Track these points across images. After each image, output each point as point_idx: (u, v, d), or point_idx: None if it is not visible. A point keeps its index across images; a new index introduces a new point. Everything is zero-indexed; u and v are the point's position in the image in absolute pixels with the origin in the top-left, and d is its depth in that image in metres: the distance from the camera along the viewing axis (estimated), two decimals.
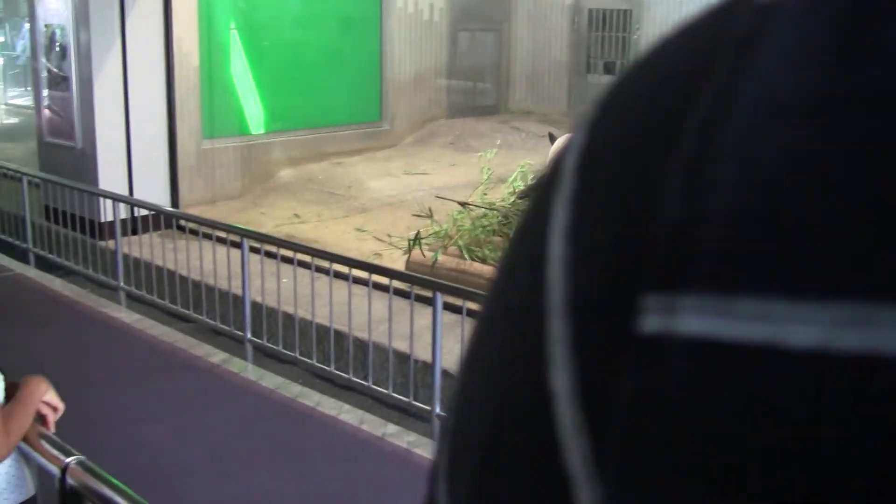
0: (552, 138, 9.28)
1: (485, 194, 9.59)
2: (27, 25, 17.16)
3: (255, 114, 12.63)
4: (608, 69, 16.10)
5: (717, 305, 0.27)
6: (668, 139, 0.31)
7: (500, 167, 10.25)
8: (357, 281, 7.04)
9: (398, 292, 6.93)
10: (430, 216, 9.24)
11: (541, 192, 0.37)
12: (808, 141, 0.27)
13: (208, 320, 8.08)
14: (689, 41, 0.34)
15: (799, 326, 0.26)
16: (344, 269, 7.12)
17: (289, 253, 7.52)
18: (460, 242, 8.63)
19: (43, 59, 10.67)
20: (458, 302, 6.60)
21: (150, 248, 8.65)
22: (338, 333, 7.23)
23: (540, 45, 16.64)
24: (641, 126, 0.33)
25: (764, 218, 0.27)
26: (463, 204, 9.14)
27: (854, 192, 0.26)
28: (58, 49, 10.39)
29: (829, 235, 0.26)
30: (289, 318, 7.53)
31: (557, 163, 0.37)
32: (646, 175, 0.31)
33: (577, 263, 0.33)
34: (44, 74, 10.69)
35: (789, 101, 0.28)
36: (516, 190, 9.15)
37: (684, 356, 0.28)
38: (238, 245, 7.67)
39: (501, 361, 0.35)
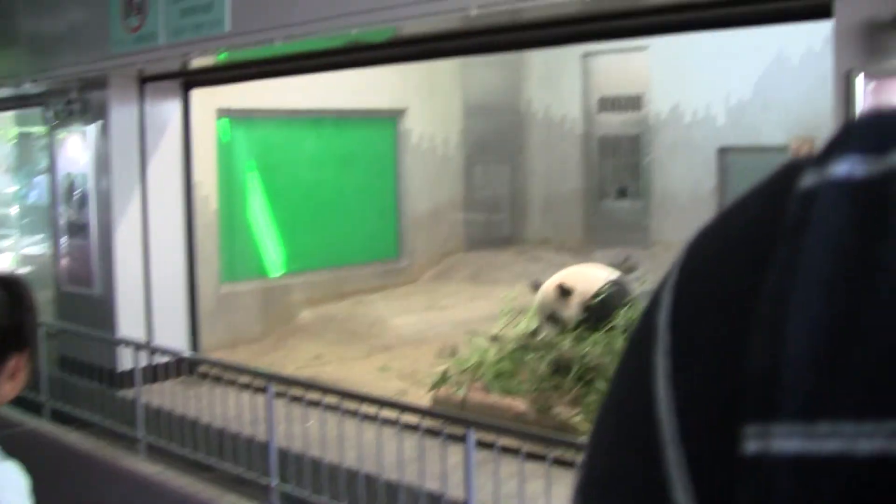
0: (536, 286, 9.21)
1: (508, 325, 9.49)
2: (41, 175, 17.34)
3: (273, 255, 12.61)
4: (621, 194, 16.14)
5: (801, 429, 0.38)
6: (747, 303, 0.42)
7: (520, 297, 10.14)
8: (385, 421, 6.89)
9: (427, 431, 6.77)
10: (454, 354, 9.12)
11: (637, 345, 0.49)
12: (849, 301, 0.39)
13: (233, 468, 7.88)
14: (751, 220, 0.48)
15: (865, 440, 0.36)
16: (371, 409, 6.97)
17: (315, 395, 7.38)
18: (487, 377, 8.49)
19: (62, 207, 10.71)
20: (489, 437, 6.44)
21: (172, 396, 8.51)
22: (368, 476, 7.04)
23: (553, 174, 16.71)
24: (724, 292, 0.45)
25: (828, 361, 0.38)
26: (494, 338, 9.03)
27: (889, 336, 0.37)
28: (77, 197, 10.43)
29: (878, 370, 0.37)
30: (316, 462, 7.36)
31: (646, 319, 0.49)
32: (732, 332, 0.43)
33: (682, 403, 0.43)
34: (62, 222, 10.72)
35: (832, 274, 0.40)
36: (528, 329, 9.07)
37: (781, 470, 0.38)
38: (262, 389, 7.53)
39: (625, 485, 0.46)
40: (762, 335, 0.40)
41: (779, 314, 0.40)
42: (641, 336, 0.49)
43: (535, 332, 8.71)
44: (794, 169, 0.49)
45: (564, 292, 8.82)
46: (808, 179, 0.46)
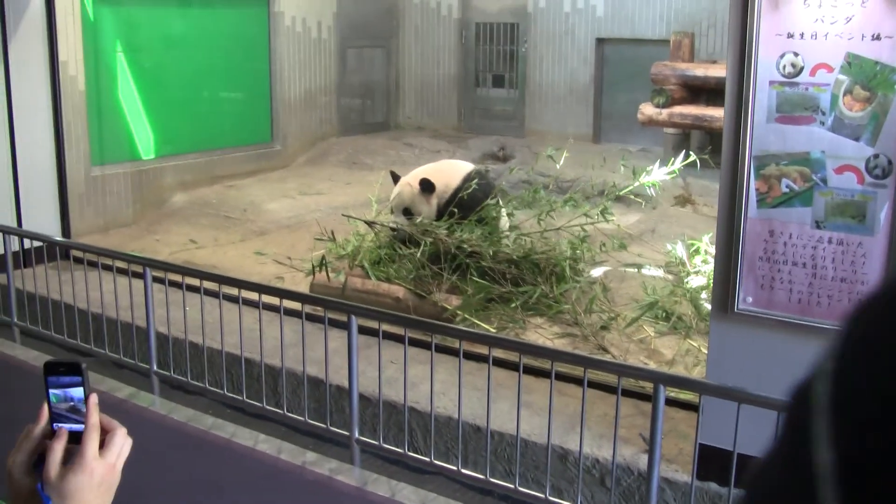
0: (395, 177, 9.27)
1: (386, 213, 9.58)
2: None
3: (144, 139, 12.42)
4: (497, 82, 16.24)
5: None
6: None
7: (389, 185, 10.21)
8: (265, 307, 6.94)
9: (308, 316, 6.85)
10: (333, 238, 9.17)
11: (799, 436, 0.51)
12: None
13: (111, 354, 7.88)
14: None
15: None
16: (253, 295, 7.01)
17: (194, 281, 7.37)
18: (365, 263, 8.59)
19: None
20: (371, 324, 6.55)
21: (45, 281, 8.39)
22: (248, 361, 7.11)
23: (428, 60, 16.71)
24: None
25: None
26: (370, 223, 9.09)
27: None
28: None
29: None
30: (196, 347, 7.40)
31: (803, 417, 0.50)
32: None
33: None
34: None
35: None
36: (392, 210, 9.12)
37: None
38: (139, 275, 7.49)
39: None
40: None
41: None
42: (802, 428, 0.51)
43: (403, 241, 8.76)
44: None
45: (426, 187, 8.89)
46: None
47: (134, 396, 7.21)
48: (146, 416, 6.86)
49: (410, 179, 9.03)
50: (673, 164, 8.90)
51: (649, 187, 9.06)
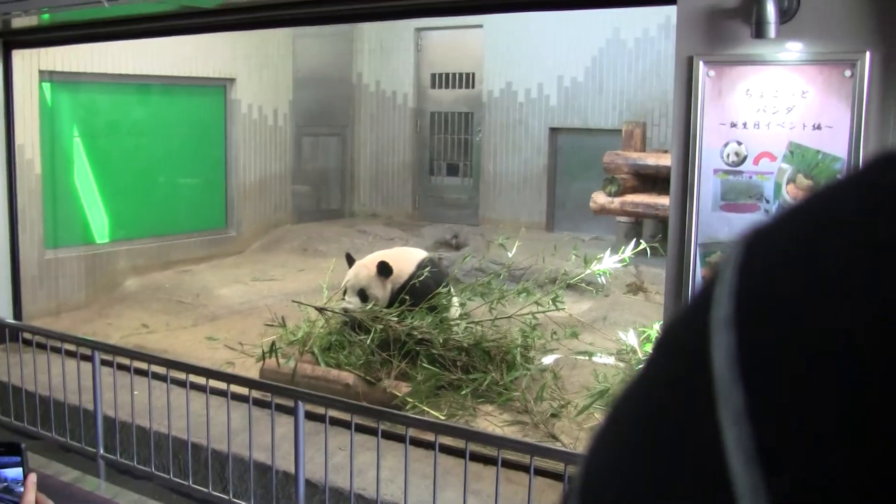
0: (350, 260, 9.32)
1: (338, 299, 9.59)
2: None
3: (99, 223, 12.42)
4: (451, 171, 16.38)
5: None
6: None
7: (342, 271, 10.24)
8: (213, 392, 6.92)
9: (256, 402, 6.84)
10: (283, 325, 9.17)
11: (681, 344, 0.47)
12: None
13: (58, 437, 7.80)
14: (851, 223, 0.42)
15: None
16: (201, 379, 6.99)
17: (142, 365, 7.35)
18: (315, 349, 8.59)
19: None
20: (318, 409, 6.54)
21: None
22: (195, 446, 7.07)
23: (384, 148, 16.85)
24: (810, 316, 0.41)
25: None
26: (320, 309, 9.09)
27: None
28: None
29: None
30: (143, 431, 7.34)
31: (693, 318, 0.46)
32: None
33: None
34: None
35: None
36: (346, 291, 9.15)
37: None
38: (88, 358, 7.45)
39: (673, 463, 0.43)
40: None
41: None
42: (687, 336, 0.46)
43: (345, 310, 8.78)
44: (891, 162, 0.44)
45: (384, 271, 8.93)
46: None
47: (79, 480, 7.13)
48: (91, 500, 6.77)
49: (367, 262, 9.08)
50: (623, 251, 9.01)
51: (600, 275, 9.16)
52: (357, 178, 17.09)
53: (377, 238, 14.73)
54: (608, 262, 9.04)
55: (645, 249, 8.90)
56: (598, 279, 9.38)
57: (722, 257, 0.46)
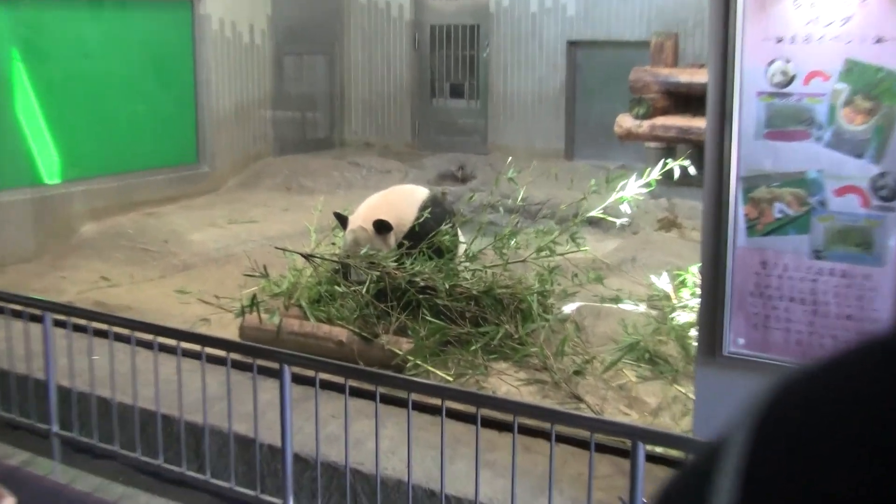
0: (341, 220, 9.18)
1: (327, 244, 9.50)
2: None
3: (48, 160, 12.30)
4: (455, 92, 16.25)
5: None
6: None
7: (339, 209, 10.16)
8: (186, 354, 6.84)
9: (236, 365, 6.76)
10: (266, 274, 9.05)
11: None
12: None
13: (3, 413, 7.74)
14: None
15: None
16: (171, 341, 6.90)
17: (102, 325, 7.25)
18: (303, 302, 8.50)
19: None
20: (308, 373, 6.46)
21: None
22: (166, 418, 7.00)
23: (377, 68, 16.70)
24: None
25: None
26: (307, 256, 8.98)
27: None
28: None
29: None
30: (104, 403, 7.27)
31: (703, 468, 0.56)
32: None
33: None
34: None
35: None
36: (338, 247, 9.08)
37: None
38: (38, 319, 7.36)
39: None
40: None
41: None
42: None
43: (346, 275, 8.69)
44: None
45: (382, 228, 8.82)
46: None
47: (30, 463, 7.07)
48: (44, 485, 6.70)
49: (362, 222, 8.91)
50: (649, 175, 8.77)
51: (623, 203, 8.95)
52: (347, 102, 16.97)
53: (371, 171, 14.64)
54: (632, 189, 8.85)
55: (672, 172, 8.65)
56: (624, 212, 9.22)
57: (725, 434, 0.53)
